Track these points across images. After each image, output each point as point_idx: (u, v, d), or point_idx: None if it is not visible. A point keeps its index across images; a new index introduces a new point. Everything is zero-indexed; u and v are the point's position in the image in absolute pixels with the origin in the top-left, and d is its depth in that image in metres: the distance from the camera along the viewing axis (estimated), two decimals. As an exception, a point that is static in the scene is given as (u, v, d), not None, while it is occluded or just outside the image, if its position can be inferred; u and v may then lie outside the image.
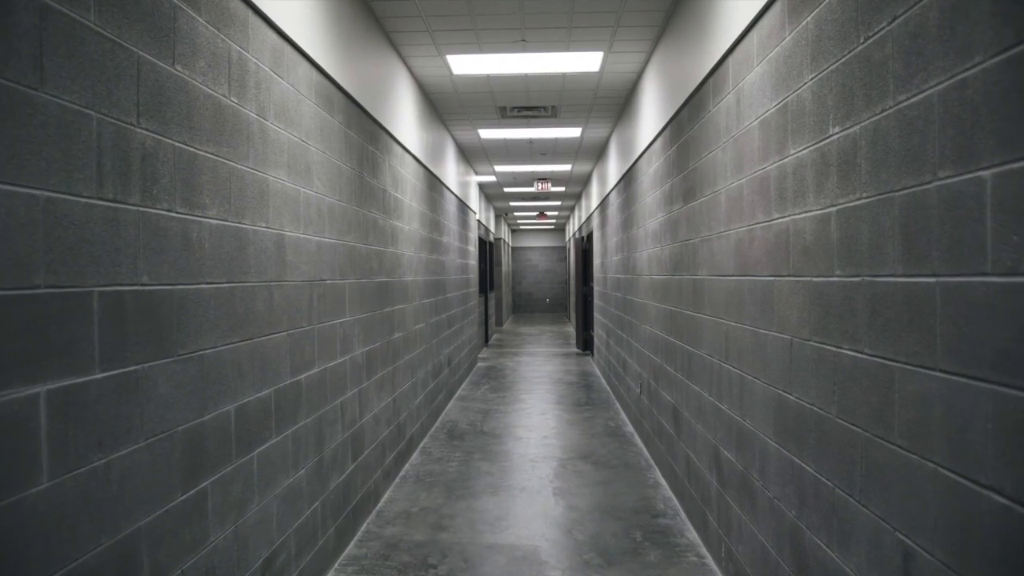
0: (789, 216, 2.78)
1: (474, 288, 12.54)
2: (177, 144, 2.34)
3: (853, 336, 2.22)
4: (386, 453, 5.32)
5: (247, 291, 2.86)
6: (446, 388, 8.63)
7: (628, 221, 7.74)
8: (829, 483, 2.41)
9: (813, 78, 2.53)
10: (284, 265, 3.28)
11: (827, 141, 2.42)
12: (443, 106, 7.95)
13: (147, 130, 2.16)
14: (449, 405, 8.80)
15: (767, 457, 3.06)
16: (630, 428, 7.45)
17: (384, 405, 5.29)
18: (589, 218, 13.90)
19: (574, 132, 9.30)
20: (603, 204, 10.85)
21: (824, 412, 2.45)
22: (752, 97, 3.24)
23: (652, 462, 6.11)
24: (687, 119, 4.66)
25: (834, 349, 2.36)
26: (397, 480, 5.65)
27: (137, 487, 2.09)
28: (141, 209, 2.13)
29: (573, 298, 20.33)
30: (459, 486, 5.50)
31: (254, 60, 2.97)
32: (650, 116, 6.11)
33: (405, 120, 6.23)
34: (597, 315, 12.18)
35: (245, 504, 2.83)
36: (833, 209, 2.37)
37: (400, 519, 4.79)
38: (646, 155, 6.43)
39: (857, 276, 2.20)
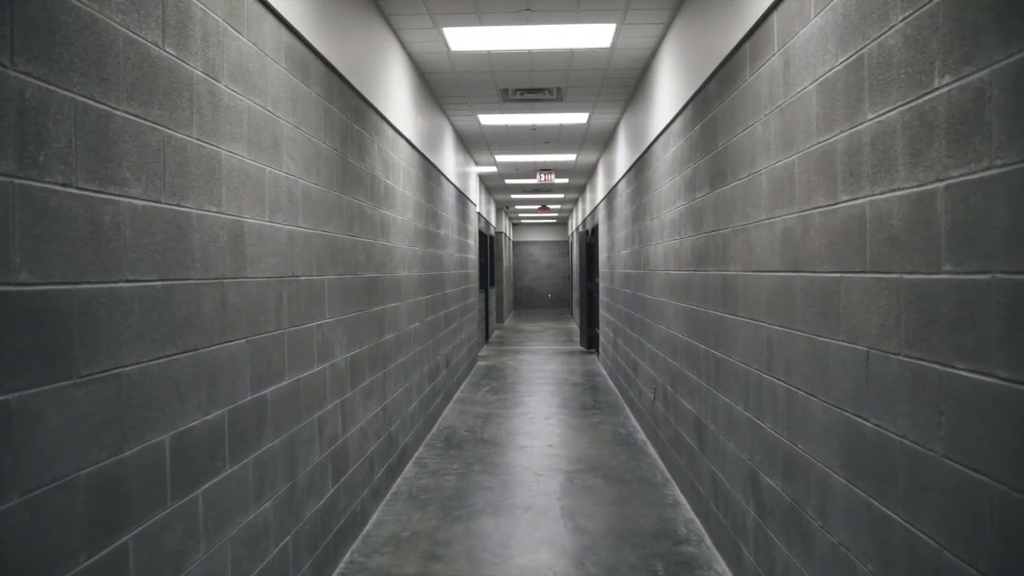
0: (865, 197, 2.22)
1: (474, 284, 11.99)
2: (80, 98, 1.78)
3: (975, 353, 1.67)
4: (375, 469, 4.77)
5: (189, 290, 2.31)
6: (443, 391, 8.09)
7: (640, 212, 7.19)
8: (932, 542, 1.86)
9: (907, 18, 1.97)
10: (243, 258, 2.72)
11: (930, 96, 1.86)
12: (440, 88, 7.38)
13: (28, 75, 1.60)
14: (447, 409, 8.26)
15: (830, 493, 2.51)
16: (642, 436, 6.91)
17: (373, 415, 4.74)
18: (594, 211, 13.34)
19: (580, 118, 8.74)
20: (610, 195, 10.29)
21: (923, 448, 1.90)
22: (808, 56, 2.68)
23: (669, 476, 5.56)
24: (715, 94, 4.10)
25: (940, 368, 1.81)
26: (388, 497, 5.10)
27: (9, 558, 1.54)
28: (18, 181, 1.57)
29: (577, 294, 19.77)
30: (456, 504, 4.95)
31: (200, 6, 2.41)
32: (667, 95, 5.55)
33: (398, 101, 5.67)
34: (603, 312, 11.64)
35: (186, 556, 2.27)
36: (940, 185, 1.81)
37: (389, 546, 4.24)
38: (662, 139, 5.87)
39: (984, 272, 1.64)
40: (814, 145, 2.63)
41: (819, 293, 2.59)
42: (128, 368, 1.97)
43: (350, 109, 4.26)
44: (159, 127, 2.14)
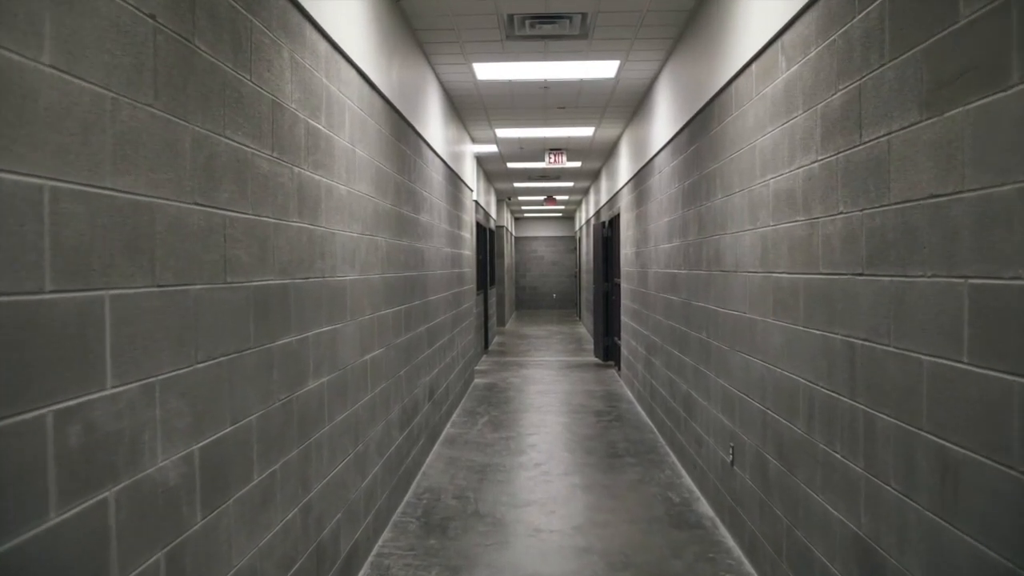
0: None
1: (470, 285, 9.88)
2: None
3: None
4: (279, 629, 2.67)
5: None
6: (426, 431, 5.98)
7: (700, 189, 5.07)
8: None
9: None
10: None
11: None
12: (419, 15, 5.27)
13: None
14: (431, 456, 6.15)
15: None
16: (706, 508, 4.80)
17: (275, 534, 2.64)
18: (614, 198, 11.22)
19: (608, 68, 6.61)
20: (640, 176, 8.17)
21: None
22: None
23: (777, 606, 3.45)
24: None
25: None
26: (312, 659, 3.00)
27: None
28: None
29: (588, 296, 17.66)
30: None
31: None
32: (773, -10, 3.43)
33: (339, 3, 3.56)
34: (627, 319, 9.53)
35: None
36: None
37: None
38: (758, 65, 3.75)
39: None
40: None
41: None
42: None
43: (208, -44, 2.15)
44: None
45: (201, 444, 2.07)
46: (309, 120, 3.05)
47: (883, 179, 2.38)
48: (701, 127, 5.03)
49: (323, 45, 3.27)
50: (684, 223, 5.64)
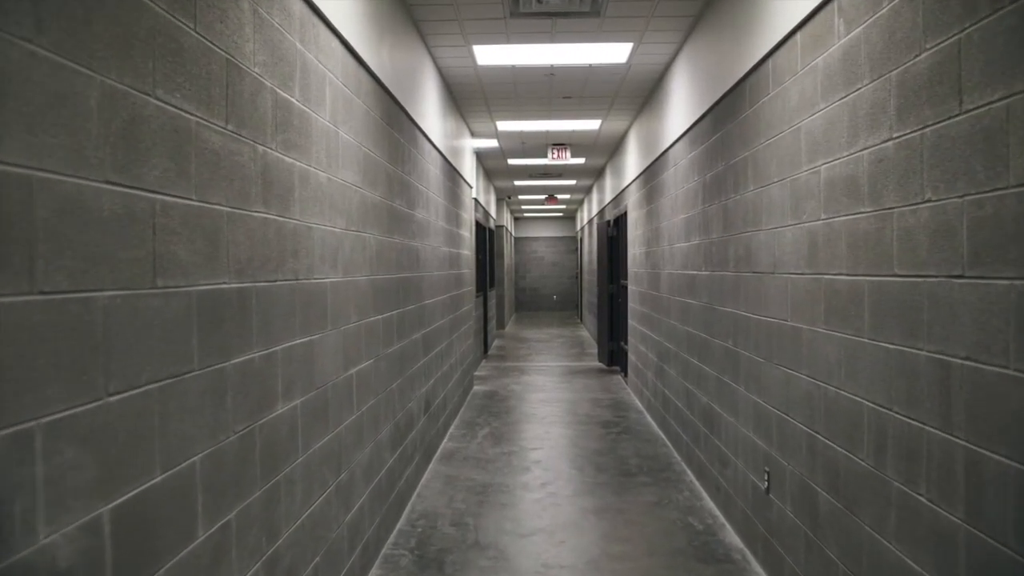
0: None
1: (469, 287, 9.36)
2: None
3: None
4: None
5: None
6: (421, 448, 5.47)
7: (724, 181, 4.56)
8: None
9: None
10: None
11: None
12: (413, -11, 4.76)
13: None
14: (426, 475, 5.63)
15: None
16: (734, 539, 4.28)
17: (230, 597, 2.13)
18: (620, 196, 10.71)
19: (620, 52, 6.10)
20: (652, 170, 7.66)
21: None
22: None
23: (832, 667, 2.94)
24: None
25: None
26: None
27: None
28: None
29: (591, 297, 17.14)
30: None
31: None
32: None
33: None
34: (634, 323, 9.02)
35: None
36: None
37: None
38: (803, 35, 3.24)
39: None
40: None
41: None
42: None
43: None
44: None
45: (113, 504, 1.55)
46: (278, 90, 2.54)
47: (998, 155, 1.87)
48: (728, 112, 4.52)
49: (297, 4, 2.76)
50: (705, 219, 5.13)
